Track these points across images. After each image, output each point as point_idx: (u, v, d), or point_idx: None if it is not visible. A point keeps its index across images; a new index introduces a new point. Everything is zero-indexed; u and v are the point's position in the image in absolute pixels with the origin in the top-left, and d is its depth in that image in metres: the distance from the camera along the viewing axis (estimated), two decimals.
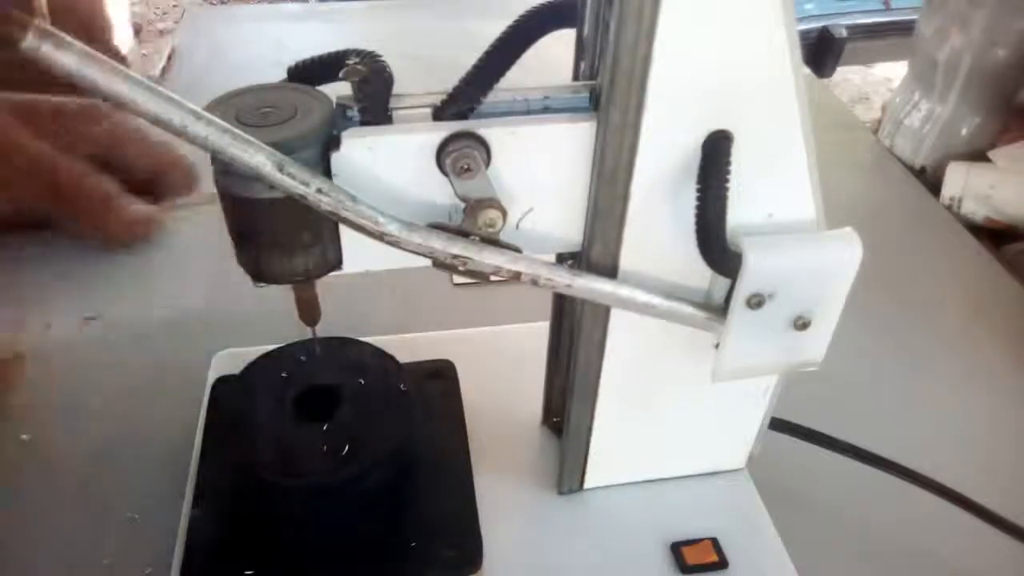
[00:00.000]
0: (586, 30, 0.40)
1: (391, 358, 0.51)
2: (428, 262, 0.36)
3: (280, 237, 0.36)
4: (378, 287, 0.68)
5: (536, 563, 0.48)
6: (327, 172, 0.35)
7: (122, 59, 2.26)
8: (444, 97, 0.37)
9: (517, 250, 0.37)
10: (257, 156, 0.31)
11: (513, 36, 0.38)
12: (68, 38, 0.27)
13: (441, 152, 0.35)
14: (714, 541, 0.48)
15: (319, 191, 0.33)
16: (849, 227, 0.39)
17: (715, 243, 0.37)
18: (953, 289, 0.76)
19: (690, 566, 0.47)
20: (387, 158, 0.36)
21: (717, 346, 0.41)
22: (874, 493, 0.52)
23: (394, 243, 0.35)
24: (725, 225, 0.37)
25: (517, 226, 0.38)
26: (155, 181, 0.51)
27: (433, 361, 0.57)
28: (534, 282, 0.37)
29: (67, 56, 0.27)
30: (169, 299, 0.69)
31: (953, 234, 0.83)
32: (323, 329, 0.44)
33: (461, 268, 0.36)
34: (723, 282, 0.39)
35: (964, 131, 1.02)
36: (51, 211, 0.45)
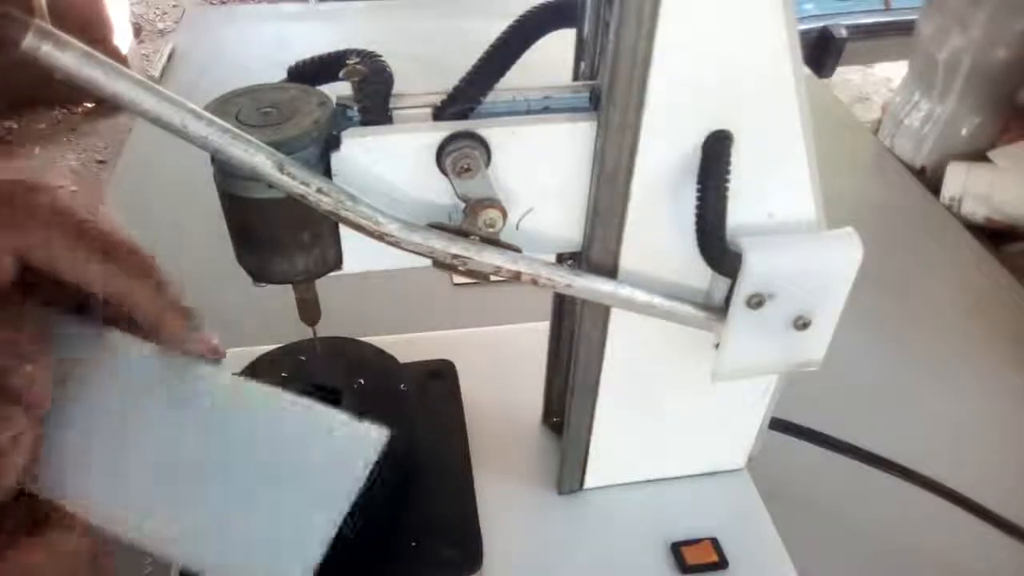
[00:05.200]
0: (586, 30, 0.40)
1: (391, 358, 0.51)
2: (428, 262, 0.36)
3: (280, 237, 0.36)
4: (378, 287, 0.68)
5: (536, 563, 0.48)
6: (327, 172, 0.35)
7: (122, 59, 2.26)
8: (444, 97, 0.37)
9: (517, 250, 0.37)
10: (257, 156, 0.31)
11: (513, 36, 0.38)
12: (68, 38, 0.27)
13: (441, 152, 0.35)
14: (714, 541, 0.48)
15: (319, 191, 0.33)
16: (849, 227, 0.39)
17: (715, 243, 0.37)
18: (953, 289, 0.76)
19: (690, 566, 0.47)
20: (387, 158, 0.36)
21: (717, 346, 0.41)
22: (874, 493, 0.53)
23: (394, 243, 0.35)
24: (725, 225, 0.37)
25: (517, 226, 0.38)
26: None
27: (433, 361, 0.57)
28: (534, 282, 0.37)
29: (67, 56, 0.27)
30: None
31: (953, 234, 0.83)
32: (323, 329, 0.44)
33: (461, 268, 0.36)
34: (723, 282, 0.39)
35: (964, 131, 1.02)
36: None
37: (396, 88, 0.36)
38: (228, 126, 0.31)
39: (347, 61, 0.35)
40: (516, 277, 0.37)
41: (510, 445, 0.54)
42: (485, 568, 0.46)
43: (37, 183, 0.31)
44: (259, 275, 0.38)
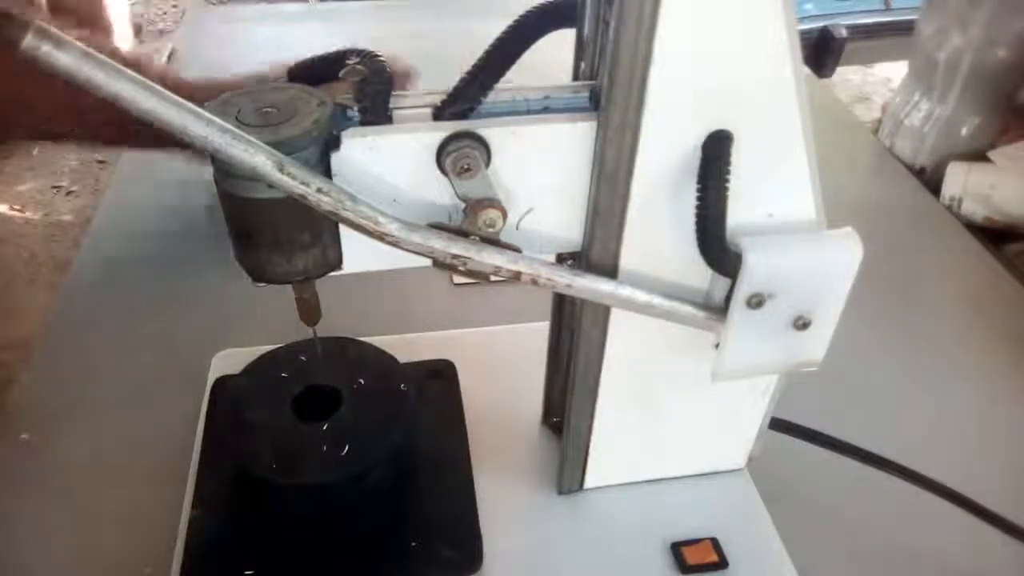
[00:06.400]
0: (586, 30, 0.40)
1: (391, 358, 0.51)
2: (428, 262, 0.36)
3: (280, 237, 0.36)
4: (378, 287, 0.68)
5: (536, 563, 0.48)
6: (327, 172, 0.35)
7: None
8: (444, 97, 0.37)
9: (517, 250, 0.37)
10: (257, 156, 0.31)
11: (513, 36, 0.38)
12: (68, 38, 0.27)
13: (441, 152, 0.35)
14: (714, 541, 0.48)
15: (319, 191, 0.33)
16: (849, 227, 0.39)
17: (715, 243, 0.37)
18: (953, 289, 0.76)
19: (690, 566, 0.47)
20: (387, 158, 0.36)
21: (717, 346, 0.41)
22: (874, 493, 0.52)
23: (394, 243, 0.35)
24: (725, 225, 0.37)
25: (517, 226, 0.38)
26: None
27: (433, 361, 0.57)
28: (534, 282, 0.37)
29: (67, 56, 0.27)
30: (169, 298, 0.69)
31: (953, 234, 0.83)
32: (323, 329, 0.44)
33: (461, 268, 0.36)
34: (723, 282, 0.39)
35: (964, 131, 1.02)
36: None
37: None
38: (228, 126, 0.31)
39: (347, 61, 0.35)
40: (516, 277, 0.37)
41: (510, 445, 0.54)
42: (485, 568, 0.46)
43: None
44: (259, 275, 0.38)
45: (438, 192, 0.37)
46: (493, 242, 0.36)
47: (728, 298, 0.39)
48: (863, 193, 0.90)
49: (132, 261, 0.74)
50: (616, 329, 0.43)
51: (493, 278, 0.37)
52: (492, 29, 0.38)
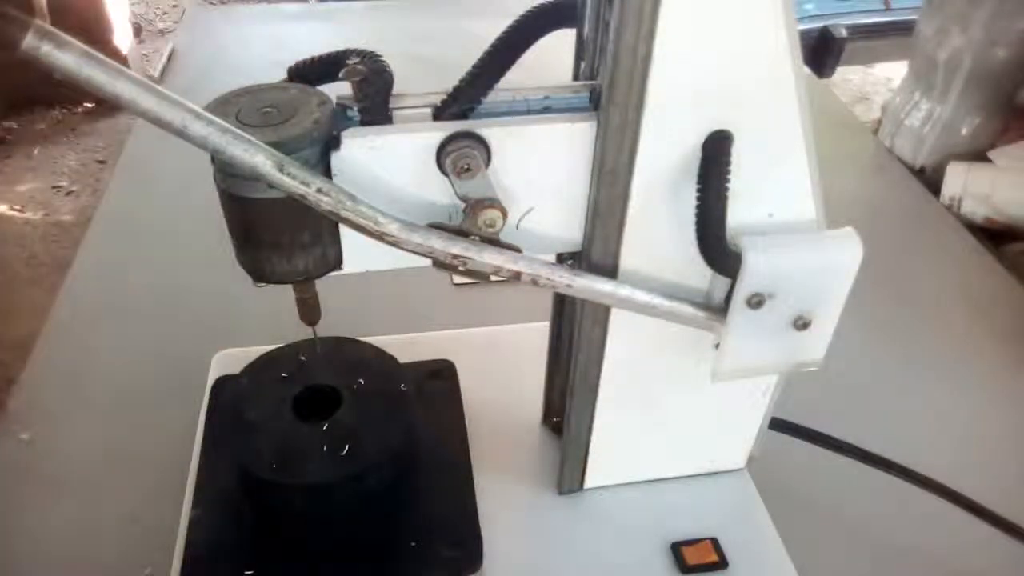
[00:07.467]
0: (586, 30, 0.40)
1: (391, 358, 0.51)
2: (428, 262, 0.36)
3: (280, 237, 0.36)
4: (378, 287, 0.68)
5: (536, 563, 0.48)
6: (327, 172, 0.35)
7: (122, 59, 2.26)
8: (444, 97, 0.37)
9: (517, 250, 0.37)
10: (257, 156, 0.31)
11: (513, 36, 0.38)
12: (68, 38, 0.27)
13: (441, 152, 0.35)
14: (714, 541, 0.48)
15: (319, 191, 0.33)
16: (849, 227, 0.39)
17: (715, 243, 0.37)
18: (953, 289, 0.76)
19: (690, 566, 0.47)
20: (387, 158, 0.36)
21: (717, 346, 0.41)
22: (874, 493, 0.53)
23: (394, 243, 0.35)
24: (725, 225, 0.37)
25: (517, 226, 0.38)
26: None
27: (433, 361, 0.57)
28: (534, 282, 0.37)
29: (67, 56, 0.27)
30: (169, 298, 0.69)
31: (953, 234, 0.83)
32: (323, 329, 0.44)
33: (461, 268, 0.36)
34: (723, 282, 0.39)
35: (964, 131, 1.02)
36: None
37: (396, 88, 0.36)
38: (228, 126, 0.31)
39: (347, 61, 0.35)
40: (516, 277, 0.37)
41: (510, 445, 0.54)
42: (485, 568, 0.46)
43: None
44: (259, 275, 0.38)
45: (438, 192, 0.37)
46: (493, 242, 0.36)
47: (728, 298, 0.39)
48: (863, 193, 0.90)
49: (132, 261, 0.74)
50: (616, 329, 0.43)
51: (493, 278, 0.37)
52: (492, 29, 0.38)
